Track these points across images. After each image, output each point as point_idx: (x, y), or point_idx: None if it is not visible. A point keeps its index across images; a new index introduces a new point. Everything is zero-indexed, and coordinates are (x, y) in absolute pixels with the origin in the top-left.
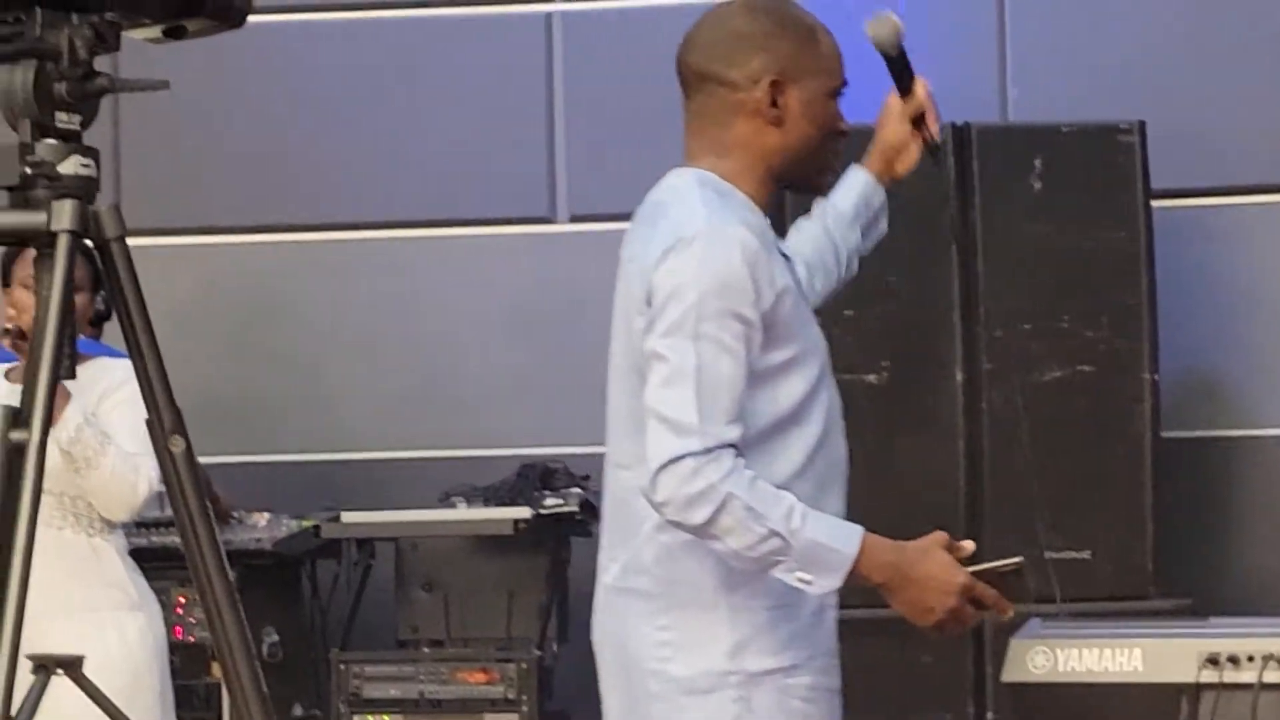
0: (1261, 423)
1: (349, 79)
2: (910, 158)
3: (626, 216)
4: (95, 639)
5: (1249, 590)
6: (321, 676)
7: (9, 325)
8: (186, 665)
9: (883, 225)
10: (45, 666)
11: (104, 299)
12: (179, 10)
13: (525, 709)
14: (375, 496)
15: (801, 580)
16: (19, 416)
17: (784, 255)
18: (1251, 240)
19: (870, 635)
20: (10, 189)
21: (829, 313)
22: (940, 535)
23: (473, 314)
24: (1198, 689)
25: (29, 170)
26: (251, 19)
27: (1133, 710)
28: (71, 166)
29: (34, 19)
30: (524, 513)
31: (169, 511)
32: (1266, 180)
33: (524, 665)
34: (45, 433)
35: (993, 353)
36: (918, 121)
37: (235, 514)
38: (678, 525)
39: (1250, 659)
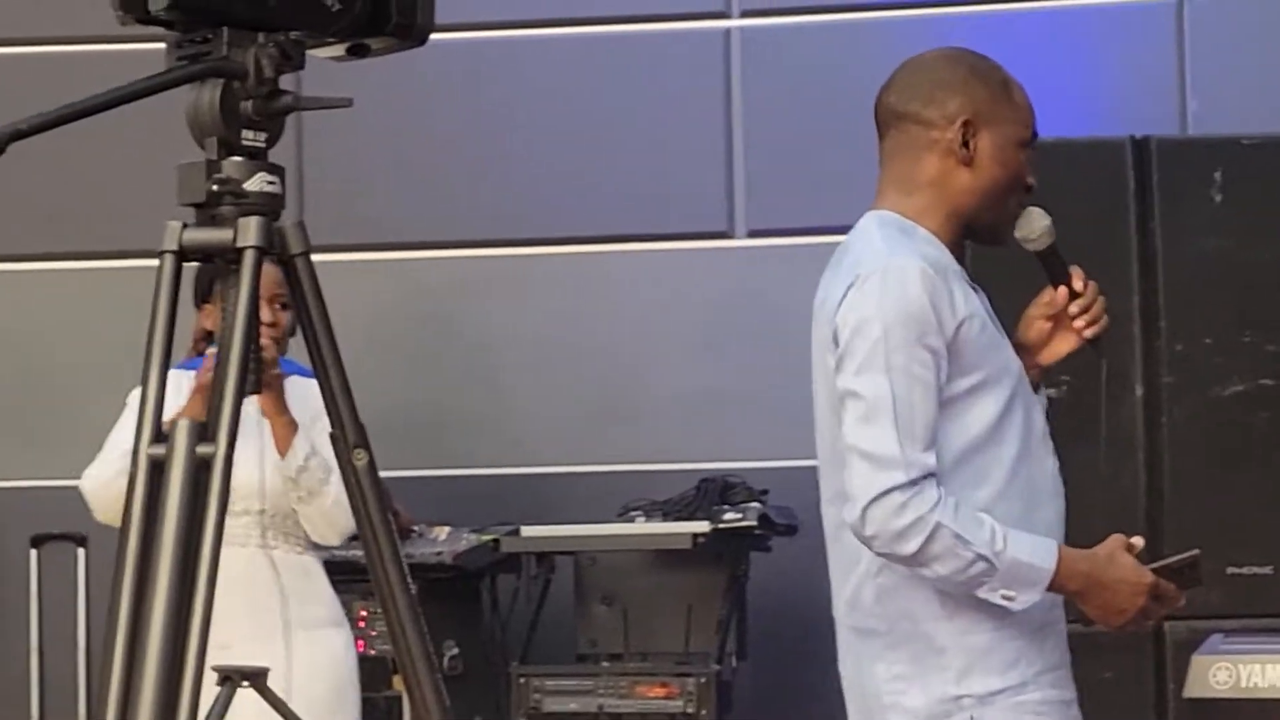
0: None
1: (527, 95)
2: (1057, 350)
3: (804, 231)
4: (307, 654)
5: None
6: (501, 690)
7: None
8: (369, 678)
9: None
10: (230, 678)
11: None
12: (362, 29)
13: None
14: (554, 510)
15: (1005, 597)
16: (205, 431)
17: (972, 287)
18: None
19: None
20: (197, 206)
21: (1007, 327)
22: (1119, 538)
23: (651, 329)
24: None
25: (216, 188)
26: (432, 36)
27: None
28: (257, 184)
29: (221, 38)
30: (703, 527)
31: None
32: None
33: (703, 679)
34: (231, 446)
35: (1173, 367)
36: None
37: (416, 528)
38: (888, 557)
39: None
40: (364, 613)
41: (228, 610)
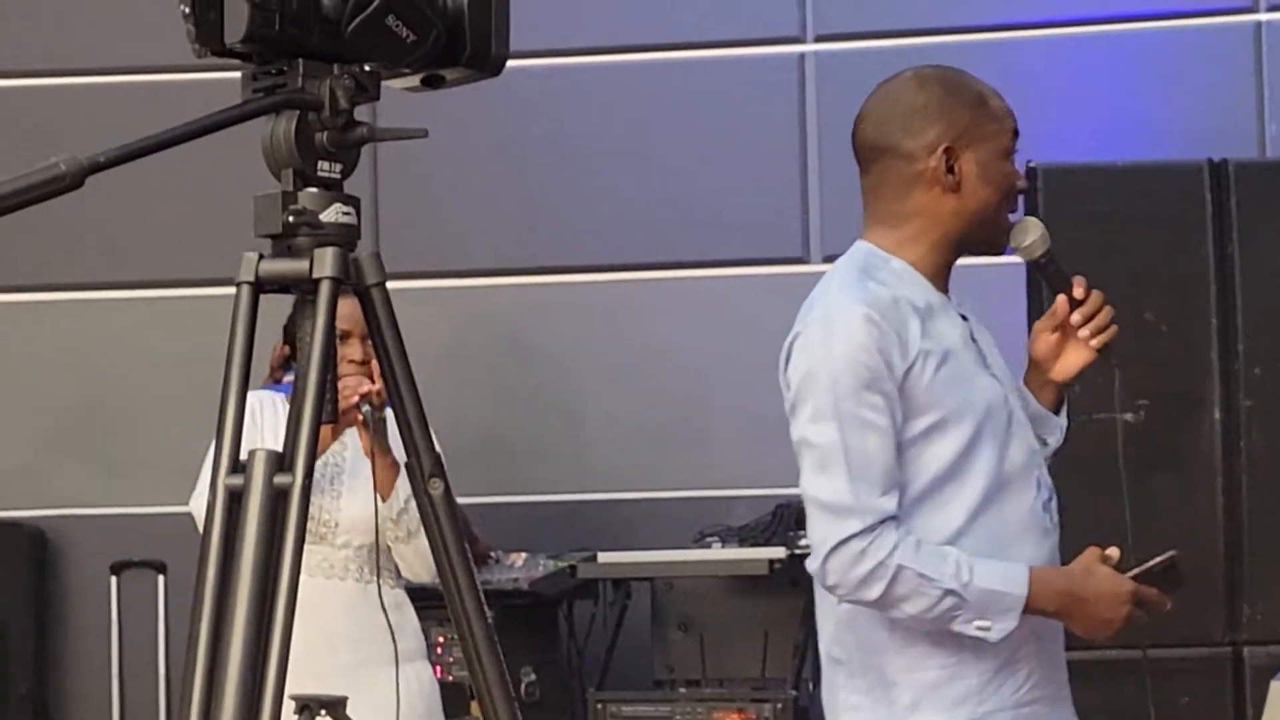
0: None
1: (601, 121)
2: (1069, 364)
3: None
4: (403, 687)
5: None
6: (579, 715)
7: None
8: (446, 705)
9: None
10: (309, 707)
11: None
12: (437, 60)
13: None
14: (630, 536)
15: (980, 628)
16: (282, 461)
17: (960, 315)
18: None
19: (1125, 676)
20: (274, 237)
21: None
22: (1094, 550)
23: (726, 354)
24: None
25: (292, 219)
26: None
27: None
28: (333, 214)
29: (296, 70)
30: (779, 553)
31: None
32: None
33: (779, 705)
34: (309, 476)
35: (1251, 390)
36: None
37: (493, 554)
38: (855, 603)
39: None
40: (441, 639)
41: (330, 642)
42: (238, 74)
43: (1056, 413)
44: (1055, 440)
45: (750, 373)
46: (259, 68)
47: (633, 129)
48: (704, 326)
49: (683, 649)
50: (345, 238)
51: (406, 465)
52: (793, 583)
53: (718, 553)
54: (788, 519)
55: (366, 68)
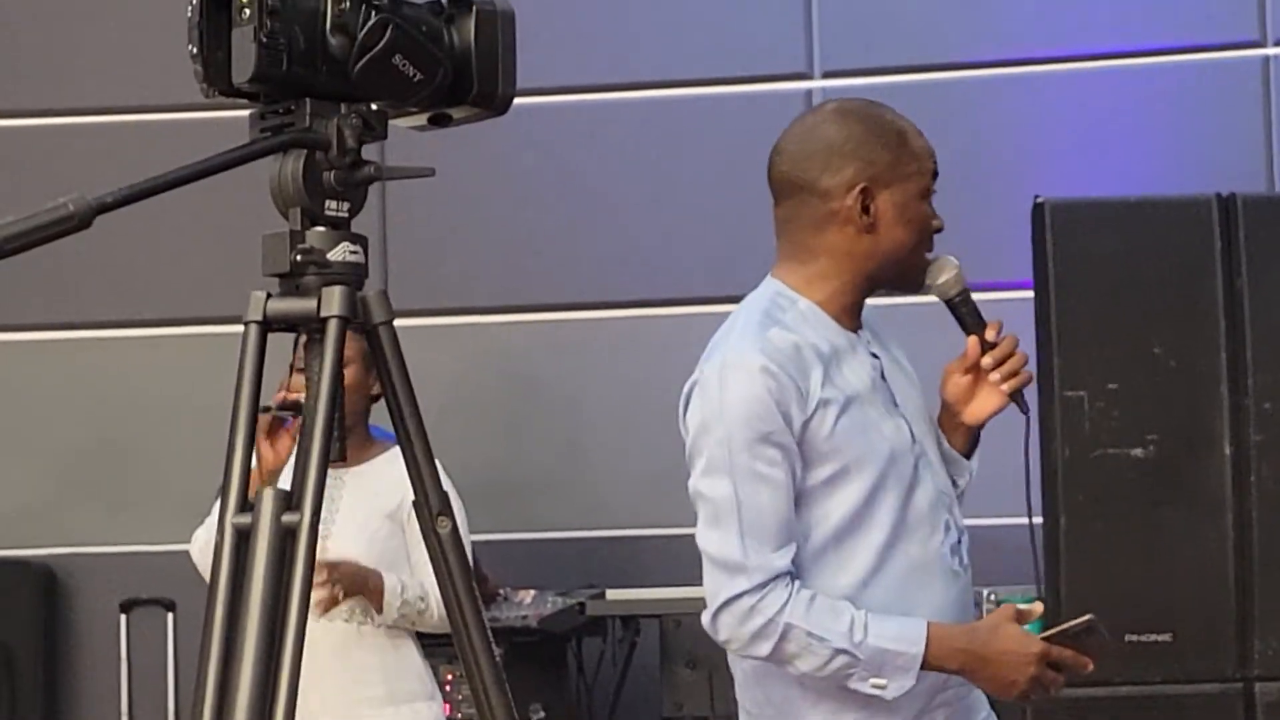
0: None
1: (609, 158)
2: (981, 408)
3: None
4: None
5: None
6: None
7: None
8: None
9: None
10: None
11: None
12: (444, 99)
13: None
14: (639, 573)
15: (876, 686)
16: (290, 500)
17: (871, 354)
18: None
19: (1137, 712)
20: (282, 276)
21: (1094, 386)
22: (1008, 608)
23: None
24: None
25: (299, 258)
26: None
27: None
28: (341, 253)
29: (304, 109)
30: None
31: None
32: None
33: None
34: (316, 515)
35: (1262, 425)
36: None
37: (502, 591)
38: (748, 658)
39: None
40: (450, 677)
41: (320, 682)
42: (245, 113)
43: (969, 455)
44: (964, 483)
45: None
46: (266, 107)
47: (641, 166)
48: None
49: (691, 686)
50: (353, 277)
51: (414, 504)
52: None
53: None
54: None
55: (374, 107)
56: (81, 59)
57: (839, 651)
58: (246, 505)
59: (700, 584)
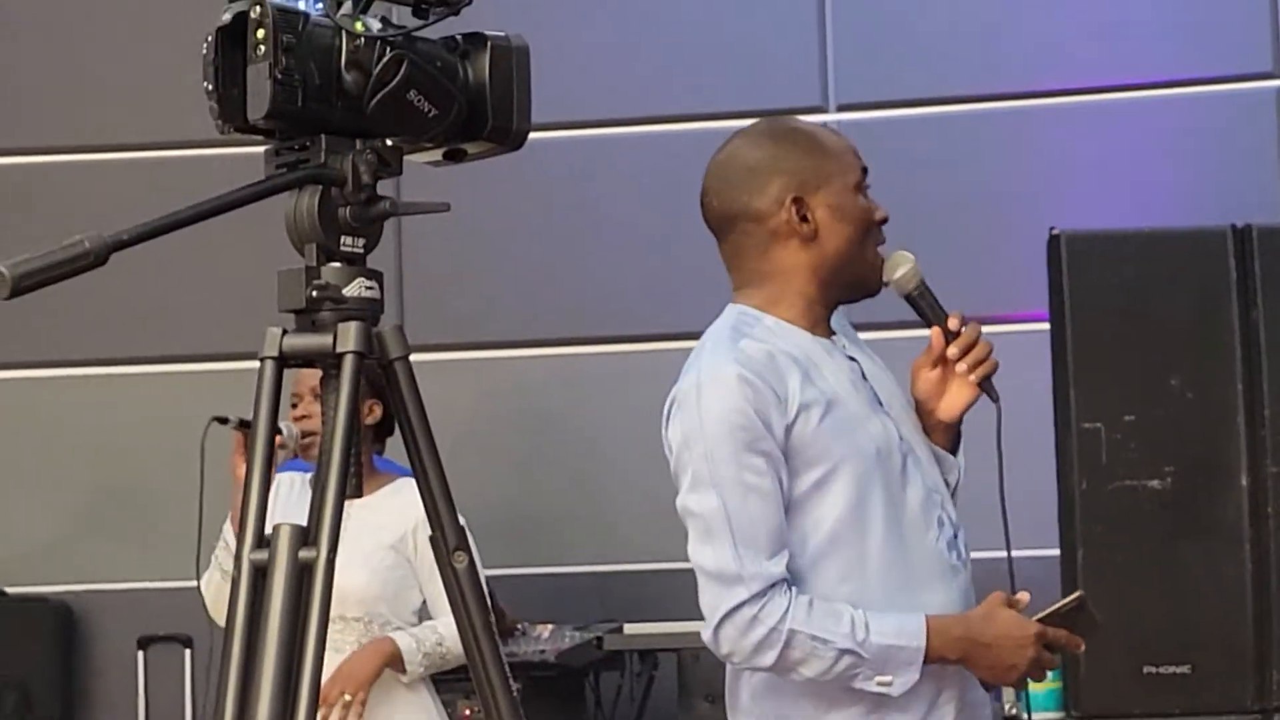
0: None
1: (623, 192)
2: (953, 403)
3: (901, 325)
4: None
5: None
6: None
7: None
8: None
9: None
10: None
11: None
12: (459, 134)
13: None
14: (656, 607)
15: (881, 684)
16: (307, 535)
17: (848, 358)
18: None
19: None
20: (298, 312)
21: (1111, 418)
22: (997, 595)
23: None
24: None
25: (315, 294)
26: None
27: None
28: (356, 289)
29: (319, 145)
30: None
31: None
32: None
33: None
34: (333, 551)
35: (1278, 457)
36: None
37: (519, 626)
38: (751, 670)
39: None
40: (467, 712)
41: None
42: (260, 150)
43: (954, 452)
44: (954, 479)
45: None
46: (282, 143)
47: (656, 200)
48: None
49: None
50: (369, 312)
51: (430, 539)
52: None
53: None
54: None
55: (389, 142)
56: (97, 96)
57: (844, 652)
58: (263, 541)
59: None
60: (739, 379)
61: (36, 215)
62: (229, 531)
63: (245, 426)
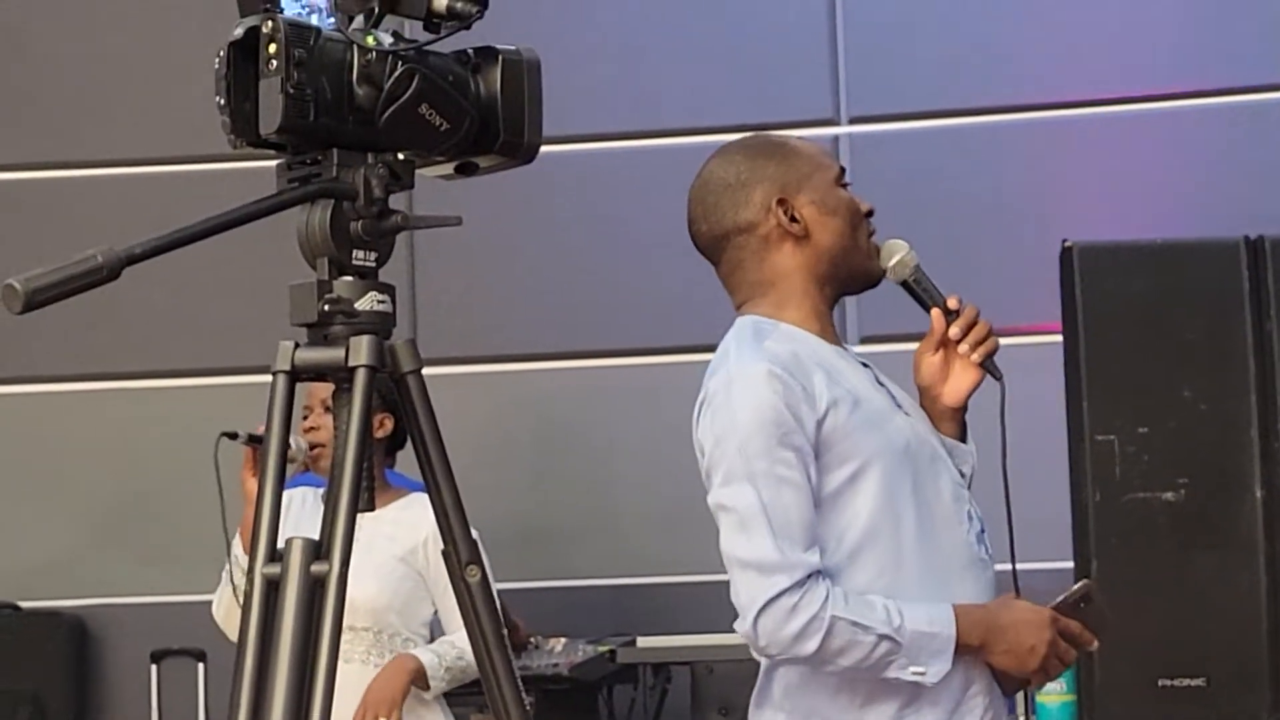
0: None
1: (636, 205)
2: (958, 386)
3: (916, 338)
4: None
5: None
6: None
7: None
8: None
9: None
10: None
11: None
12: (471, 148)
13: None
14: (669, 621)
15: (916, 674)
16: (320, 549)
17: (862, 364)
18: None
19: None
20: (310, 326)
21: (1124, 430)
22: (1008, 594)
23: None
24: None
25: (327, 307)
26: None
27: None
28: (368, 303)
29: (331, 159)
30: None
31: None
32: None
33: None
34: (345, 565)
35: None
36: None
37: (533, 639)
38: (788, 662)
39: None
40: None
41: None
42: (272, 164)
43: (964, 440)
44: (969, 469)
45: None
46: (294, 158)
47: (668, 213)
48: None
49: None
50: (381, 326)
51: (443, 553)
52: None
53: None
54: None
55: (400, 156)
56: (110, 112)
57: (882, 638)
58: (276, 555)
59: (731, 630)
60: (769, 374)
61: (49, 230)
62: (238, 547)
63: (254, 442)
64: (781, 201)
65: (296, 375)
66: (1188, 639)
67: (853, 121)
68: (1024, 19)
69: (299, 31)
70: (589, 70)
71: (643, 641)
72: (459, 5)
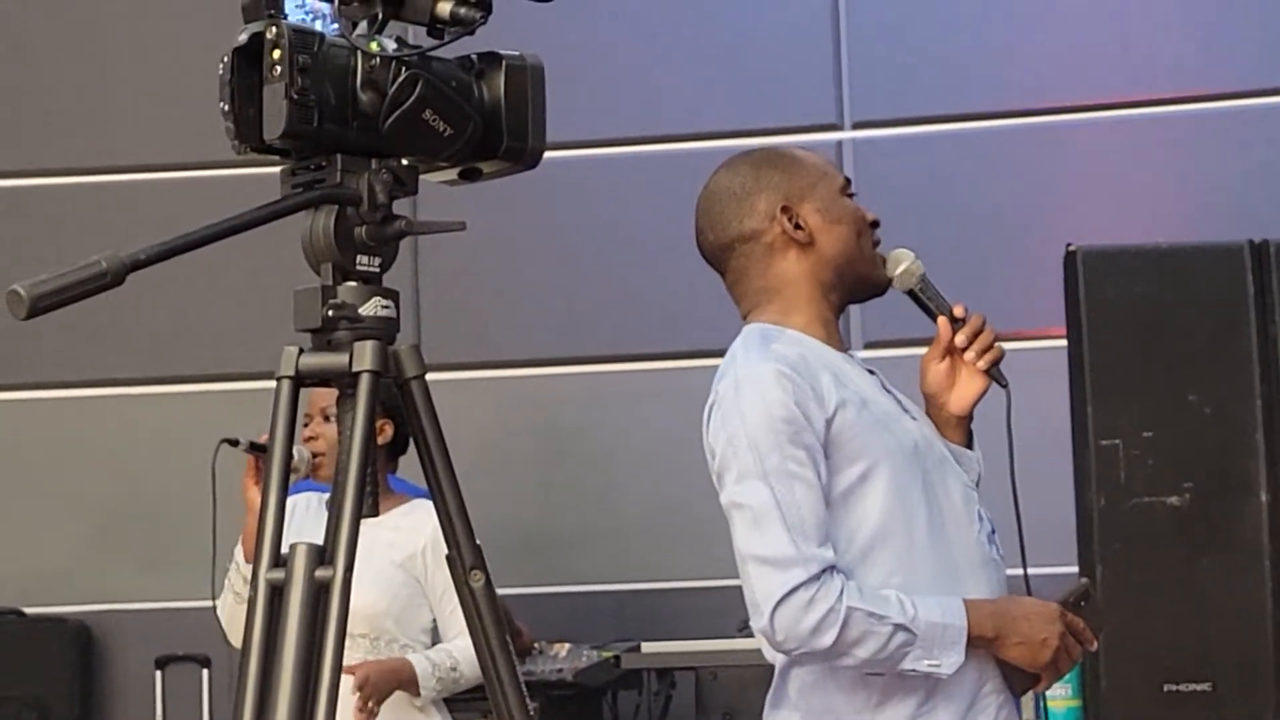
0: None
1: (640, 211)
2: (964, 394)
3: (918, 342)
4: None
5: None
6: None
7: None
8: None
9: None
10: None
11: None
12: (474, 153)
13: None
14: (674, 626)
15: (931, 666)
16: (324, 554)
17: (868, 370)
18: None
19: None
20: (314, 331)
21: (1129, 435)
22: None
23: None
24: None
25: (331, 313)
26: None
27: None
28: (372, 308)
29: (334, 165)
30: None
31: None
32: None
33: None
34: (349, 570)
35: None
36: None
37: (537, 645)
38: (804, 656)
39: None
40: None
41: None
42: (276, 170)
43: (969, 448)
44: (976, 475)
45: None
46: (297, 163)
47: (672, 218)
48: None
49: None
50: (384, 331)
51: (447, 558)
52: None
53: (762, 641)
54: None
55: (404, 162)
56: (114, 118)
57: (898, 628)
58: (280, 561)
59: (735, 635)
60: (777, 374)
61: (54, 236)
62: (240, 554)
63: (255, 449)
64: (786, 209)
65: (300, 381)
66: (1193, 643)
67: (856, 126)
68: (1027, 24)
69: (303, 37)
70: (593, 76)
71: (647, 647)
72: (462, 11)
